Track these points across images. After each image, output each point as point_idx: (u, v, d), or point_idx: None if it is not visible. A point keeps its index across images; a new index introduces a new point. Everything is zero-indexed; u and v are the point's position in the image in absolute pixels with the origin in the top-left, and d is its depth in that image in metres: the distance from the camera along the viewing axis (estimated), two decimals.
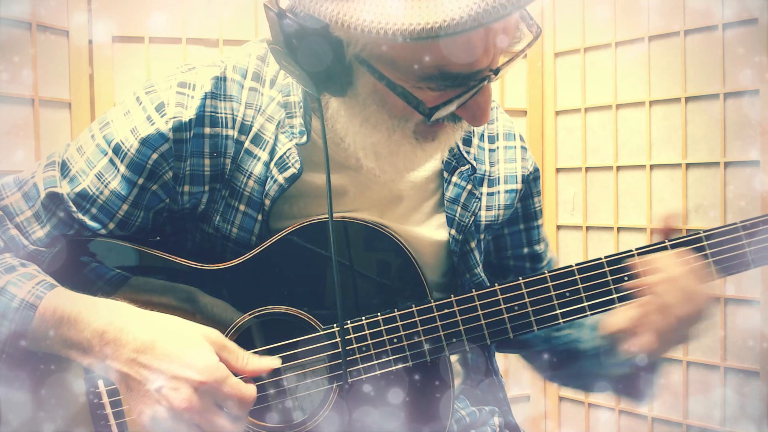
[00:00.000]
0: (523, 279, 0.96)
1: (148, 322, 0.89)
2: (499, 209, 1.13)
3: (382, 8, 0.78)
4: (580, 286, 0.96)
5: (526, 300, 0.96)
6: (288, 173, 0.98)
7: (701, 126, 2.17)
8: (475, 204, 1.09)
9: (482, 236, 1.12)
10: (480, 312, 0.96)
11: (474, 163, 1.10)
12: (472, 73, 0.85)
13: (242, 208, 1.00)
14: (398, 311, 0.96)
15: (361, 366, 0.96)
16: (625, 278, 0.95)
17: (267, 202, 0.99)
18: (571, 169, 2.53)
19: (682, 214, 2.21)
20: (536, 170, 1.18)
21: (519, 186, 1.14)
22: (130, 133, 0.97)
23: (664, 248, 0.95)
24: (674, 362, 2.23)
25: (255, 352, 0.95)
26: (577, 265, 0.96)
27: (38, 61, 2.03)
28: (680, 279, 0.93)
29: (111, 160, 0.97)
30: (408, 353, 0.96)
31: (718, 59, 2.10)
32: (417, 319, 0.96)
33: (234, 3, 2.24)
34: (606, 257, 0.96)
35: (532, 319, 0.96)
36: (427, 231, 1.08)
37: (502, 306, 0.96)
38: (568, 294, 0.96)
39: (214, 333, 0.90)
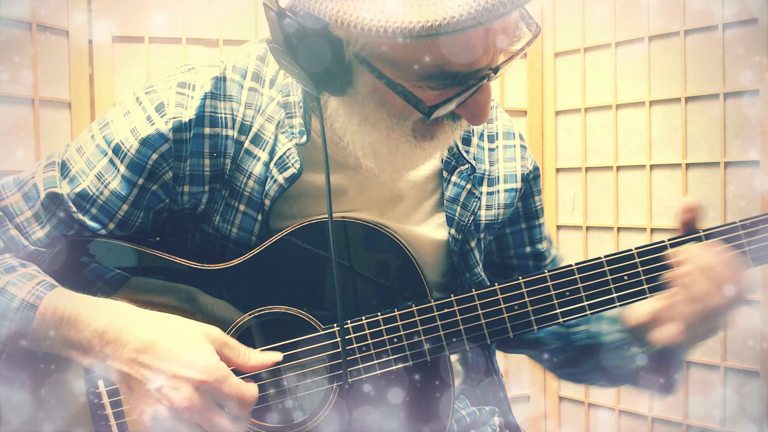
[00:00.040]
0: (523, 278, 0.96)
1: (149, 321, 0.89)
2: (498, 208, 1.13)
3: (382, 6, 0.78)
4: (580, 285, 0.96)
5: (526, 299, 0.96)
6: (288, 173, 0.98)
7: (701, 126, 2.17)
8: (474, 203, 1.09)
9: (482, 235, 1.12)
10: (480, 311, 0.96)
11: (473, 163, 1.10)
12: (471, 72, 0.85)
13: (242, 208, 1.00)
14: (398, 311, 0.96)
15: (361, 366, 0.96)
16: (625, 277, 0.95)
17: (267, 202, 0.99)
18: (571, 169, 2.53)
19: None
20: (536, 169, 1.18)
21: (519, 185, 1.14)
22: (130, 133, 0.97)
23: (664, 248, 0.95)
24: None
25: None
26: (576, 264, 0.96)
27: (38, 61, 2.03)
28: (708, 269, 0.92)
29: (111, 161, 0.97)
30: (408, 353, 0.96)
31: (718, 59, 2.10)
32: (417, 318, 0.96)
33: (234, 3, 2.24)
34: (606, 256, 0.96)
35: (532, 318, 0.96)
36: (427, 230, 1.08)
37: (502, 305, 0.96)
38: (568, 293, 0.96)
39: (215, 331, 0.90)
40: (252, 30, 2.26)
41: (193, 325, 0.90)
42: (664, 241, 0.95)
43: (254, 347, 0.96)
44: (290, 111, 1.00)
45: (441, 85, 0.86)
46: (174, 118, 0.96)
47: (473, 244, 1.10)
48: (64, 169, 0.99)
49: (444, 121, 0.93)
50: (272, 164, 0.99)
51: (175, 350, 0.86)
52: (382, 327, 0.96)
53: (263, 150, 1.00)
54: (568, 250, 2.51)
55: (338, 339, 0.95)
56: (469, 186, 1.09)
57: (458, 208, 1.08)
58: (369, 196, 1.05)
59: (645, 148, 2.30)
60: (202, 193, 1.00)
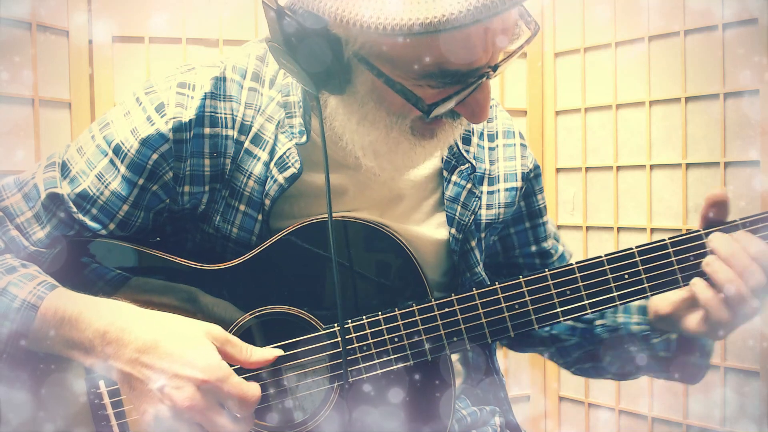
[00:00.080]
0: (523, 277, 0.96)
1: (150, 321, 0.89)
2: (499, 207, 1.13)
3: (381, 4, 0.78)
4: (581, 284, 0.96)
5: (527, 298, 0.96)
6: (288, 173, 0.98)
7: (701, 126, 2.17)
8: (474, 203, 1.09)
9: (483, 235, 1.12)
10: (481, 311, 0.96)
11: (473, 162, 1.10)
12: (471, 71, 0.85)
13: (242, 208, 1.00)
14: (399, 310, 0.96)
15: (362, 365, 0.96)
16: (626, 276, 0.96)
17: (267, 202, 0.99)
18: (571, 169, 2.53)
19: (683, 212, 2.21)
20: (537, 167, 1.18)
21: (519, 184, 1.14)
22: (130, 133, 0.97)
23: (664, 246, 0.95)
24: None
25: None
26: (577, 263, 0.96)
27: (38, 61, 2.03)
28: (731, 258, 0.92)
29: (111, 161, 0.97)
30: (409, 352, 0.96)
31: (718, 59, 2.10)
32: (418, 318, 0.96)
33: (234, 3, 2.24)
34: (606, 255, 0.96)
35: (533, 317, 0.96)
36: (427, 230, 1.08)
37: (503, 305, 0.96)
38: (568, 292, 0.96)
39: (217, 329, 0.90)
40: (252, 30, 2.26)
41: (194, 324, 0.90)
42: (664, 240, 0.95)
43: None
44: (290, 111, 1.00)
45: (440, 83, 0.86)
46: (174, 118, 0.96)
47: (474, 243, 1.10)
48: (65, 169, 0.99)
49: (444, 120, 0.93)
50: (272, 164, 0.99)
51: (176, 350, 0.85)
52: (383, 326, 0.96)
53: (263, 150, 1.00)
54: None
55: (339, 339, 0.95)
56: (469, 185, 1.09)
57: (458, 208, 1.08)
58: (369, 195, 1.05)
59: (645, 148, 2.30)
60: (203, 193, 1.00)
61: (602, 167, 2.43)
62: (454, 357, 1.11)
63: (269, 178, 0.99)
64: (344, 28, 0.82)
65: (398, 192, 1.07)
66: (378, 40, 0.83)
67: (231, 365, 0.88)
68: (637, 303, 1.07)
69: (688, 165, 2.21)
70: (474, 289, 0.96)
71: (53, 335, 0.88)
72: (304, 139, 0.99)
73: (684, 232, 0.97)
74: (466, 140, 1.11)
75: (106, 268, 0.98)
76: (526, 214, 1.19)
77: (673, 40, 2.21)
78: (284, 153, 0.99)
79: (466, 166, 1.09)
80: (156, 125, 0.96)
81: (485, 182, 1.12)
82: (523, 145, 1.17)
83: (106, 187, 0.97)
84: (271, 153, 0.99)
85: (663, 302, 1.02)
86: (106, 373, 0.88)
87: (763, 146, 2.03)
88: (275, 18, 0.86)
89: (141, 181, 0.97)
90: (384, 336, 0.96)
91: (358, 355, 0.96)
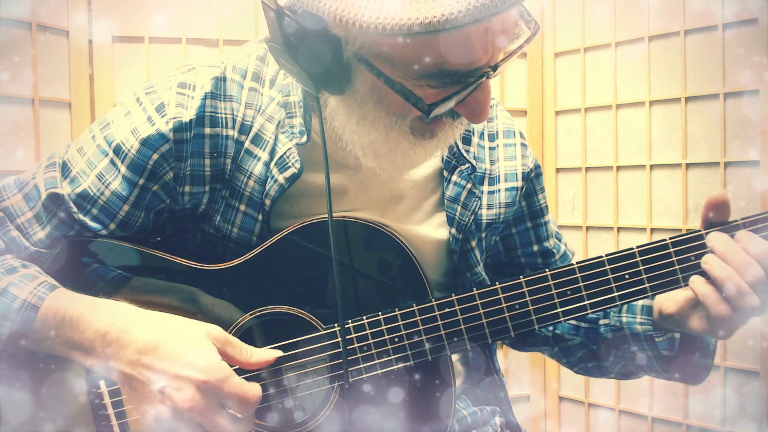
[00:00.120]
0: (524, 277, 0.96)
1: (150, 322, 0.89)
2: (500, 207, 1.13)
3: (380, 4, 0.78)
4: (581, 284, 0.96)
5: (527, 299, 0.96)
6: (288, 173, 0.98)
7: (701, 126, 2.17)
8: (475, 203, 1.09)
9: (483, 235, 1.12)
10: (481, 311, 0.96)
11: (474, 162, 1.10)
12: (470, 70, 0.85)
13: (243, 208, 1.00)
14: (399, 310, 0.96)
15: (362, 365, 0.96)
16: (626, 276, 0.96)
17: (267, 202, 0.99)
18: (571, 169, 2.53)
19: (683, 213, 2.21)
20: (537, 167, 1.18)
21: (519, 183, 1.14)
22: (130, 133, 0.97)
23: (665, 246, 0.95)
24: None
25: None
26: (578, 263, 0.96)
27: (38, 61, 2.03)
28: (727, 254, 0.92)
29: (112, 161, 0.97)
30: (409, 352, 0.96)
31: (718, 59, 2.10)
32: (418, 318, 0.96)
33: (234, 3, 2.24)
34: (607, 255, 0.96)
35: (533, 317, 0.96)
36: (428, 230, 1.08)
37: (503, 305, 0.96)
38: (569, 292, 0.96)
39: (217, 330, 0.90)
40: (252, 30, 2.26)
41: (194, 324, 0.90)
42: (665, 240, 0.95)
43: (255, 347, 0.96)
44: (290, 111, 1.00)
45: (440, 83, 0.86)
46: (174, 118, 0.96)
47: (474, 243, 1.10)
48: (65, 169, 0.99)
49: (444, 120, 0.93)
50: (272, 164, 0.99)
51: (177, 351, 0.85)
52: (383, 327, 0.96)
53: (263, 150, 1.00)
54: None
55: (339, 339, 0.95)
56: (469, 185, 1.09)
57: (459, 208, 1.08)
58: (369, 195, 1.05)
59: (645, 148, 2.30)
60: (203, 194, 1.00)
61: (602, 167, 2.43)
62: (455, 357, 1.11)
63: (269, 178, 0.99)
64: (344, 29, 0.82)
65: (398, 192, 1.07)
66: (378, 40, 0.83)
67: (231, 366, 0.88)
68: (641, 302, 1.07)
69: (688, 165, 2.21)
70: (474, 289, 0.96)
71: (53, 336, 0.88)
72: (304, 139, 0.99)
73: (684, 232, 0.97)
74: (467, 140, 1.11)
75: (107, 268, 0.98)
76: (527, 213, 1.19)
77: (673, 40, 2.22)
78: (284, 153, 0.99)
79: (467, 166, 1.09)
80: (156, 125, 0.96)
81: (486, 182, 1.12)
82: (523, 145, 1.17)
83: (106, 187, 0.97)
84: (272, 153, 0.99)
85: (668, 301, 1.02)
86: (107, 373, 0.88)
87: (763, 146, 2.03)
88: (275, 18, 0.85)
89: (141, 181, 0.97)
90: (384, 336, 0.96)
91: (359, 355, 0.96)
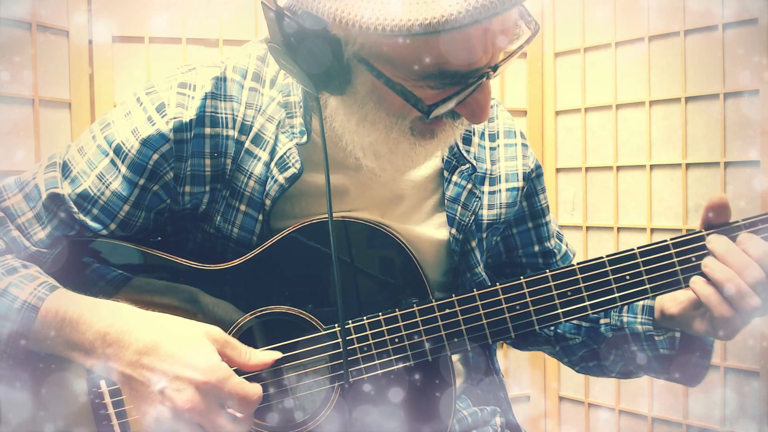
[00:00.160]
0: (524, 278, 0.96)
1: (150, 323, 0.89)
2: (501, 208, 1.13)
3: (380, 5, 0.78)
4: (582, 285, 0.96)
5: (528, 299, 0.96)
6: (288, 173, 0.98)
7: (701, 126, 2.17)
8: (475, 203, 1.09)
9: (484, 235, 1.12)
10: (482, 311, 0.96)
11: (474, 162, 1.10)
12: (471, 71, 0.85)
13: (243, 208, 1.00)
14: (400, 311, 0.96)
15: (362, 366, 0.96)
16: (627, 277, 0.96)
17: (268, 202, 0.99)
18: (571, 169, 2.53)
19: (683, 213, 2.21)
20: (538, 167, 1.18)
21: (520, 184, 1.14)
22: (131, 133, 0.97)
23: (666, 247, 0.95)
24: None
25: None
26: (578, 264, 0.96)
27: (38, 61, 2.03)
28: (727, 255, 0.92)
29: (112, 161, 0.97)
30: (409, 353, 0.96)
31: (718, 59, 2.10)
32: (419, 318, 0.96)
33: (234, 3, 2.24)
34: (607, 256, 0.96)
35: (534, 318, 0.96)
36: (428, 230, 1.08)
37: (504, 305, 0.96)
38: (569, 293, 0.96)
39: (216, 331, 0.90)
40: (252, 30, 2.26)
41: (194, 325, 0.90)
42: (666, 241, 0.95)
43: (255, 347, 0.96)
44: (291, 111, 1.00)
45: (440, 84, 0.86)
46: (175, 118, 0.96)
47: (474, 244, 1.10)
48: (66, 169, 0.99)
49: (444, 120, 0.93)
50: (273, 164, 0.99)
51: (177, 351, 0.85)
52: (384, 327, 0.96)
53: (264, 150, 1.00)
54: None
55: (339, 339, 0.95)
56: (470, 185, 1.09)
57: (459, 208, 1.08)
58: (370, 196, 1.05)
59: (645, 148, 2.30)
60: (203, 194, 1.00)
61: (602, 167, 2.43)
62: (455, 357, 1.11)
63: (270, 178, 0.99)
64: (344, 29, 0.82)
65: (399, 192, 1.07)
66: (378, 41, 0.83)
67: (230, 367, 0.88)
68: (641, 302, 1.07)
69: (688, 165, 2.21)
70: (475, 289, 0.96)
71: (54, 336, 0.88)
72: (304, 139, 0.99)
73: (685, 232, 0.97)
74: (467, 140, 1.11)
75: (108, 268, 0.98)
76: (528, 214, 1.19)
77: (673, 40, 2.22)
78: (285, 153, 0.99)
79: (467, 166, 1.09)
80: (157, 125, 0.96)
81: (486, 182, 1.12)
82: (524, 145, 1.17)
83: (106, 187, 0.97)
84: (272, 153, 0.99)
85: (671, 302, 1.02)
86: (107, 374, 0.88)
87: (763, 146, 2.03)
88: (274, 19, 0.85)
89: (142, 182, 0.97)
90: (385, 336, 0.96)
91: (359, 355, 0.96)
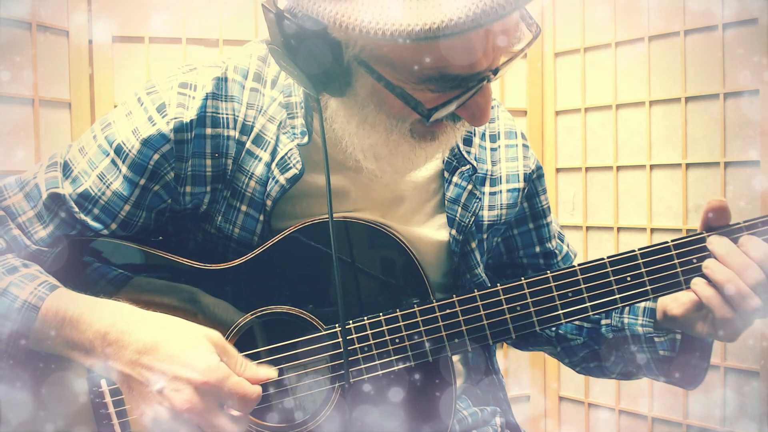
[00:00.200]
0: (525, 279, 0.96)
1: (150, 323, 0.89)
2: (501, 209, 1.13)
3: (381, 9, 0.78)
4: (583, 286, 0.96)
5: (528, 300, 0.96)
6: (289, 174, 0.98)
7: (701, 126, 2.17)
8: (475, 204, 1.09)
9: (485, 236, 1.12)
10: (482, 312, 0.96)
11: (474, 163, 1.10)
12: (471, 74, 0.85)
13: (244, 208, 1.00)
14: (400, 311, 0.96)
15: (363, 366, 0.96)
16: (628, 278, 0.96)
17: (268, 202, 0.99)
18: (571, 169, 2.53)
19: (683, 214, 2.21)
20: (539, 168, 1.18)
21: (521, 185, 1.14)
22: (131, 133, 0.97)
23: (667, 249, 0.95)
24: None
25: (257, 352, 0.95)
26: (579, 265, 0.96)
27: (38, 61, 2.03)
28: (727, 257, 0.93)
29: (113, 161, 0.97)
30: (410, 353, 0.96)
31: (718, 59, 2.10)
32: (419, 319, 0.96)
33: (234, 3, 2.24)
34: (608, 257, 0.96)
35: (534, 319, 0.96)
36: (429, 231, 1.08)
37: (504, 306, 0.96)
38: (570, 294, 0.96)
39: (216, 335, 0.90)
40: (252, 30, 2.26)
41: (194, 327, 0.90)
42: (667, 242, 0.95)
43: (256, 348, 0.96)
44: (292, 111, 1.00)
45: (441, 87, 0.85)
46: (175, 118, 0.96)
47: (474, 245, 1.10)
48: (66, 169, 0.99)
49: (444, 122, 0.93)
50: (274, 165, 0.99)
51: (176, 352, 0.85)
52: (384, 327, 0.96)
53: (265, 150, 1.00)
54: None
55: (340, 339, 0.95)
56: (470, 186, 1.09)
57: (459, 209, 1.08)
58: (371, 197, 1.05)
59: (645, 148, 2.30)
60: (204, 194, 1.00)
61: (602, 167, 2.43)
62: (455, 357, 1.11)
63: (271, 179, 0.99)
64: (344, 33, 0.82)
65: (399, 194, 1.07)
66: (378, 44, 0.83)
67: None
68: (643, 304, 1.07)
69: (688, 165, 2.21)
70: (476, 290, 0.96)
71: (54, 336, 0.88)
72: (305, 139, 0.99)
73: (685, 233, 0.97)
74: (468, 141, 1.11)
75: (108, 267, 0.98)
76: (529, 215, 1.19)
77: (673, 40, 2.22)
78: (286, 154, 0.99)
79: (467, 167, 1.09)
80: (157, 125, 0.96)
81: (487, 183, 1.12)
82: (525, 146, 1.17)
83: (107, 187, 0.97)
84: (273, 153, 0.99)
85: (673, 303, 1.02)
86: (106, 374, 0.88)
87: (763, 146, 2.03)
88: (274, 21, 0.85)
89: (142, 182, 0.97)
90: (385, 337, 0.96)
91: (360, 355, 0.96)
